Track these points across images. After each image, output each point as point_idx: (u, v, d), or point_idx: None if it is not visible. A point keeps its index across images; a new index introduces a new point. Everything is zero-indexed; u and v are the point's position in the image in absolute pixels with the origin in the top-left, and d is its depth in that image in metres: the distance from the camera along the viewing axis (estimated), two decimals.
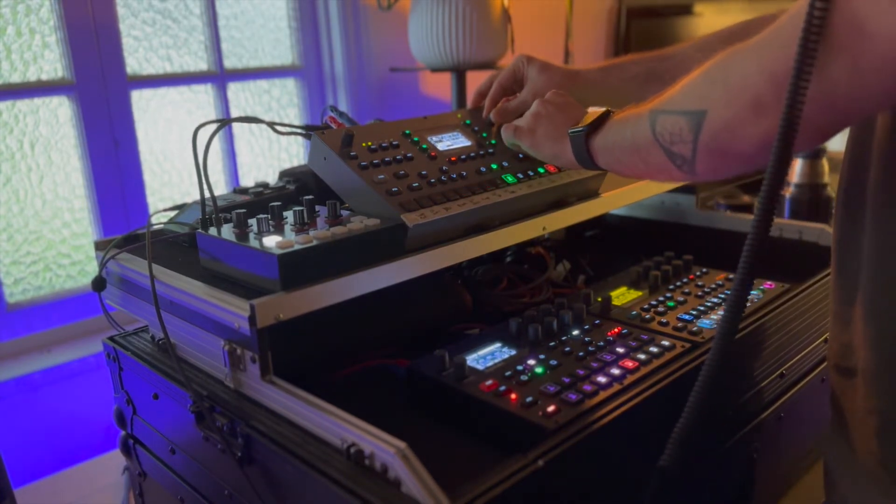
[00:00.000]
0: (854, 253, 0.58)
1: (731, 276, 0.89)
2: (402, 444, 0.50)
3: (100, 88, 1.60)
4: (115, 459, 1.44)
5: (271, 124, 0.78)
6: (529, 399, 0.60)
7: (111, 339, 0.82)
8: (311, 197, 0.71)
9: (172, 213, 0.88)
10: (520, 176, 0.81)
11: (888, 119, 0.52)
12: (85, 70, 1.57)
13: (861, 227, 0.57)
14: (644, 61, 0.84)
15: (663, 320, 0.77)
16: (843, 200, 0.61)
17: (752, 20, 0.81)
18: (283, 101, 2.01)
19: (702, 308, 0.79)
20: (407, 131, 0.81)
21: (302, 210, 0.68)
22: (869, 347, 0.56)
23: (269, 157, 1.99)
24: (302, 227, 0.67)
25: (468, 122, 0.87)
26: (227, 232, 0.68)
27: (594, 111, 0.69)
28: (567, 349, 0.69)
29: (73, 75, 1.56)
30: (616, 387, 0.62)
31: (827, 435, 0.65)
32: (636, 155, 0.61)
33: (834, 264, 0.62)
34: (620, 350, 0.69)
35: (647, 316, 0.78)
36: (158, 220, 0.86)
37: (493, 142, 0.85)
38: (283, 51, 1.98)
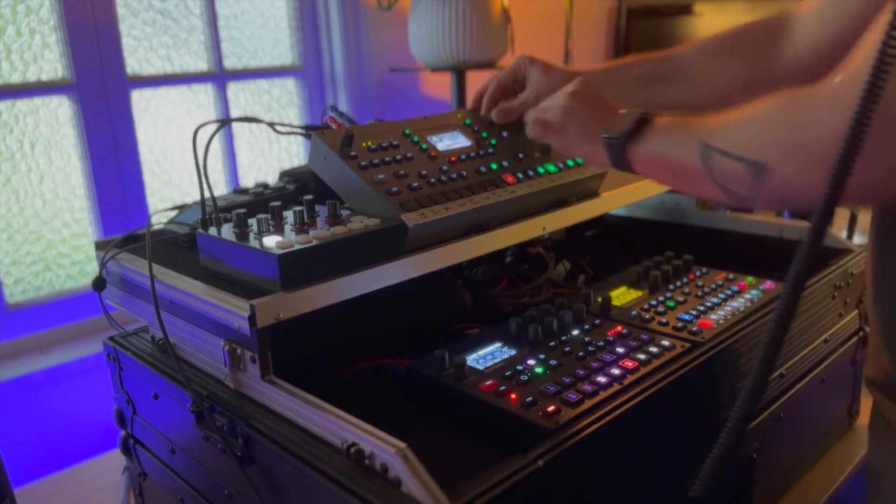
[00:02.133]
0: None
1: (730, 275, 0.89)
2: (402, 444, 0.50)
3: (100, 88, 1.60)
4: (115, 459, 1.44)
5: (271, 124, 0.78)
6: (529, 399, 0.60)
7: (111, 339, 0.82)
8: (311, 197, 0.71)
9: (172, 214, 0.88)
10: (520, 176, 0.81)
11: None
12: (85, 70, 1.57)
13: None
14: (645, 62, 0.84)
15: (663, 320, 0.77)
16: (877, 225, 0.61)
17: (752, 23, 0.82)
18: (283, 101, 2.01)
19: (702, 308, 0.79)
20: (407, 131, 0.81)
21: (302, 210, 0.68)
22: None
23: (269, 157, 1.99)
24: (302, 227, 0.67)
25: (468, 121, 0.87)
26: (227, 232, 0.68)
27: (626, 111, 0.66)
28: (567, 349, 0.69)
29: (73, 75, 1.56)
30: (616, 387, 0.62)
31: (875, 445, 0.67)
32: (683, 177, 0.59)
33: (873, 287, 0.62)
34: (620, 350, 0.69)
35: (647, 316, 0.78)
36: (158, 220, 0.86)
37: (493, 142, 0.85)
38: (282, 51, 1.98)
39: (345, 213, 0.71)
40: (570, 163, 0.86)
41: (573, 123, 0.70)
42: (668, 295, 0.84)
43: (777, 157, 0.49)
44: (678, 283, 0.87)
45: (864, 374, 0.67)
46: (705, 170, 0.55)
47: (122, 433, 0.85)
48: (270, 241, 0.63)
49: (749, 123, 0.52)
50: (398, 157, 0.76)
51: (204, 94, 1.82)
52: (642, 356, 0.68)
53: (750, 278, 0.88)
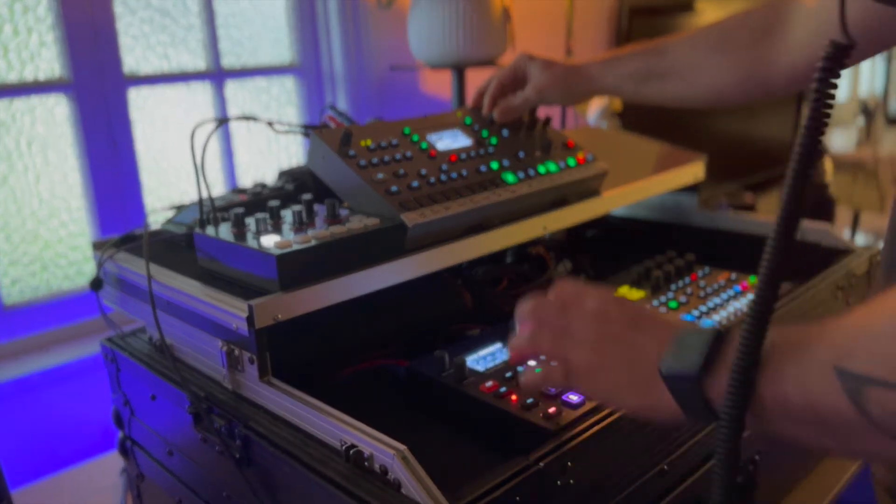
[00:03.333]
0: None
1: (733, 275, 0.88)
2: (401, 447, 0.49)
3: (97, 87, 1.59)
4: (112, 461, 1.43)
5: (270, 123, 0.78)
6: (530, 400, 0.60)
7: (109, 339, 0.81)
8: (309, 196, 0.71)
9: (170, 213, 0.88)
10: (520, 175, 0.80)
11: None
12: (82, 69, 1.56)
13: None
14: (642, 56, 0.84)
15: None
16: None
17: (748, 14, 0.80)
18: (282, 99, 2.00)
19: (704, 308, 0.79)
20: (406, 130, 0.81)
21: (300, 210, 0.68)
22: None
23: (268, 156, 1.99)
24: (300, 226, 0.67)
25: (468, 120, 0.87)
26: (225, 232, 0.67)
27: (688, 327, 0.46)
28: None
29: (70, 74, 1.56)
30: None
31: None
32: (823, 430, 0.39)
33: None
34: None
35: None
36: (156, 220, 0.85)
37: (493, 141, 0.84)
38: (281, 49, 1.97)
39: (344, 212, 0.70)
40: (571, 162, 0.86)
41: (611, 364, 0.48)
42: (671, 295, 0.83)
43: None
44: (680, 284, 0.87)
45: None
46: (857, 412, 0.36)
47: (120, 434, 0.84)
48: (269, 241, 0.63)
49: None
50: (398, 156, 0.76)
51: (202, 93, 1.82)
52: None
53: (752, 278, 0.87)
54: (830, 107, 0.40)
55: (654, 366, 0.44)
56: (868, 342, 0.36)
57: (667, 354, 0.44)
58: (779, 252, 0.40)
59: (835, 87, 0.41)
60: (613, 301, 0.50)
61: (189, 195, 1.79)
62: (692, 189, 1.08)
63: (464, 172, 0.77)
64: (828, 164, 1.62)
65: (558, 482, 0.54)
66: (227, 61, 1.85)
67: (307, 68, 2.01)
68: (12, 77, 1.51)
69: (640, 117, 0.93)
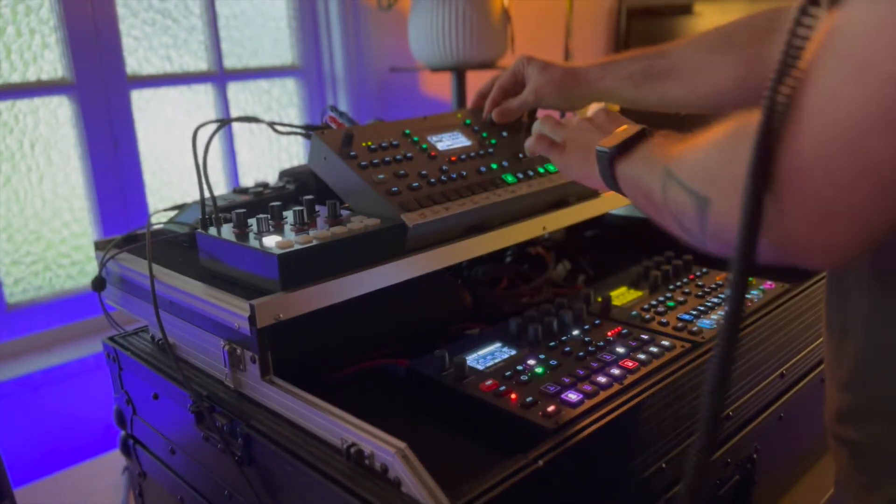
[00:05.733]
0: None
1: (730, 276, 0.89)
2: (402, 445, 0.49)
3: (99, 88, 1.60)
4: (114, 460, 1.43)
5: (271, 124, 0.78)
6: (529, 399, 0.60)
7: (111, 339, 0.82)
8: (310, 197, 0.71)
9: (172, 213, 0.88)
10: (520, 175, 0.80)
11: None
12: (85, 70, 1.57)
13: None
14: (641, 59, 0.84)
15: (663, 320, 0.76)
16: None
17: (751, 17, 0.81)
18: (283, 100, 2.00)
19: (702, 308, 0.79)
20: (407, 131, 0.81)
21: (302, 210, 0.68)
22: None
23: (269, 157, 1.99)
24: (302, 226, 0.67)
25: (468, 121, 0.87)
26: (227, 232, 0.68)
27: (629, 127, 0.60)
28: (567, 349, 0.69)
29: (72, 75, 1.56)
30: (616, 387, 0.62)
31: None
32: (650, 205, 0.54)
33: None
34: (620, 350, 0.69)
35: (647, 316, 0.78)
36: (158, 220, 0.86)
37: (493, 141, 0.85)
38: (282, 51, 1.98)
39: (345, 212, 0.71)
40: None
41: (577, 143, 0.67)
42: (668, 295, 0.84)
43: (717, 191, 0.43)
44: (678, 283, 0.87)
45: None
46: (663, 199, 0.50)
47: (122, 433, 0.85)
48: (270, 241, 0.63)
49: (700, 151, 0.47)
50: (398, 156, 0.76)
51: (204, 94, 1.82)
52: (642, 356, 0.67)
53: (750, 278, 0.88)
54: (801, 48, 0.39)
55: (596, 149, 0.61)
56: (684, 153, 0.49)
57: (606, 139, 0.60)
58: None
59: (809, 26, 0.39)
60: (605, 112, 0.67)
61: (191, 195, 1.79)
62: None
63: (464, 173, 0.77)
64: None
65: (557, 481, 0.54)
66: (229, 63, 1.85)
67: (308, 70, 2.02)
68: (15, 78, 1.51)
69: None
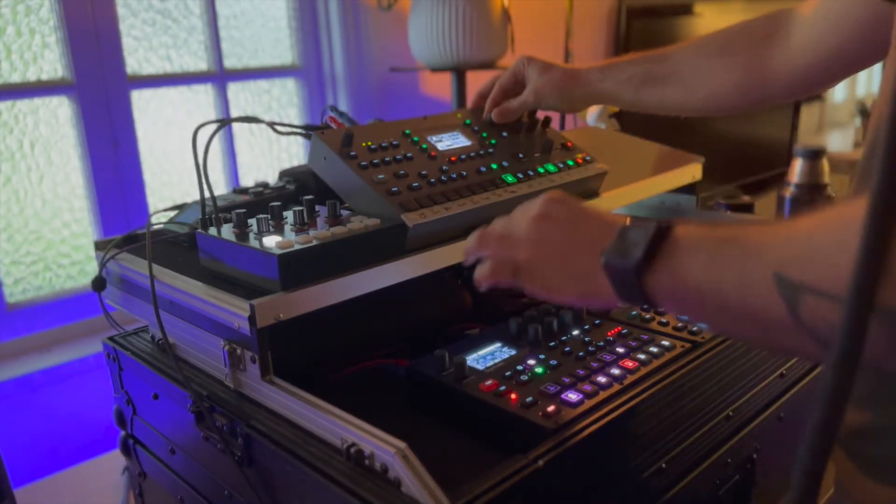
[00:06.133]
0: None
1: None
2: (402, 444, 0.49)
3: (99, 88, 1.60)
4: (114, 460, 1.44)
5: (271, 124, 0.78)
6: (529, 399, 0.60)
7: (111, 339, 0.82)
8: (311, 197, 0.71)
9: (172, 213, 0.88)
10: (520, 175, 0.80)
11: None
12: (85, 70, 1.57)
13: None
14: (641, 62, 0.84)
15: (663, 320, 0.76)
16: None
17: (749, 21, 0.81)
18: (283, 101, 2.00)
19: None
20: (407, 131, 0.81)
21: (302, 210, 0.68)
22: None
23: (269, 157, 1.99)
24: (302, 227, 0.67)
25: (468, 121, 0.87)
26: (227, 232, 0.68)
27: (627, 221, 0.47)
28: (567, 349, 0.69)
29: (72, 75, 1.56)
30: (616, 387, 0.62)
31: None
32: (752, 323, 0.40)
33: None
34: (620, 350, 0.69)
35: (647, 316, 0.78)
36: (158, 220, 0.86)
37: (493, 141, 0.85)
38: (282, 51, 1.98)
39: (345, 213, 0.71)
40: (571, 163, 0.86)
41: (552, 259, 0.51)
42: None
43: None
44: None
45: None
46: (791, 317, 0.37)
47: (122, 433, 0.85)
48: (270, 241, 0.63)
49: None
50: (398, 156, 0.76)
51: (204, 94, 1.82)
52: (642, 356, 0.67)
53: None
54: None
55: (591, 258, 0.47)
56: (810, 252, 0.37)
57: (608, 248, 0.46)
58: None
59: None
60: (556, 202, 0.52)
61: (191, 195, 1.79)
62: (690, 190, 1.08)
63: (464, 173, 0.77)
64: (825, 164, 1.62)
65: (557, 481, 0.54)
66: (229, 63, 1.85)
67: (308, 70, 2.02)
68: (15, 78, 1.51)
69: (638, 118, 0.93)
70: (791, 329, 0.38)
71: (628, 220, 0.47)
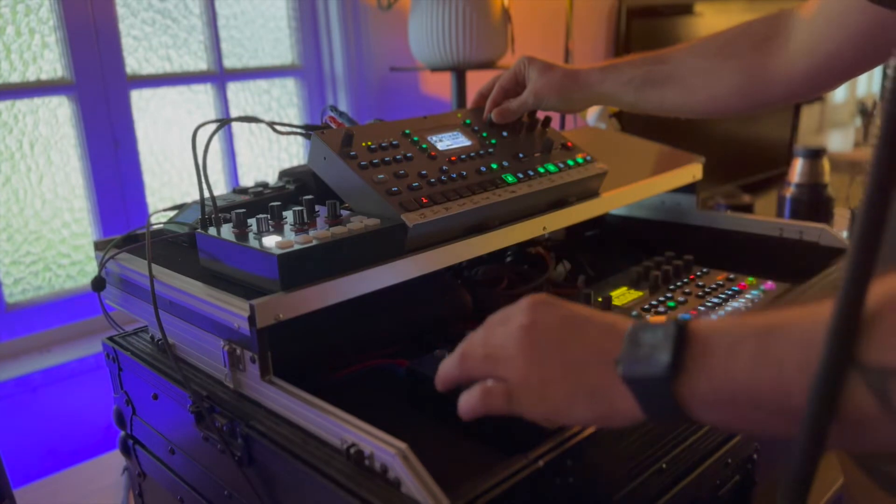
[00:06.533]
0: None
1: (731, 276, 0.89)
2: (402, 445, 0.49)
3: (99, 88, 1.60)
4: (114, 460, 1.44)
5: (271, 124, 0.78)
6: None
7: (111, 339, 0.82)
8: (310, 197, 0.71)
9: (172, 213, 0.88)
10: (520, 175, 0.80)
11: None
12: (84, 70, 1.57)
13: None
14: (641, 64, 0.84)
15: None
16: None
17: (749, 23, 0.81)
18: (283, 100, 2.00)
19: (702, 308, 0.79)
20: (407, 131, 0.81)
21: (302, 210, 0.68)
22: None
23: (269, 157, 1.99)
24: (302, 227, 0.67)
25: (468, 121, 0.87)
26: (227, 232, 0.68)
27: (636, 321, 0.41)
28: None
29: (72, 75, 1.56)
30: None
31: None
32: (838, 432, 0.34)
33: None
34: None
35: (648, 316, 0.78)
36: (158, 220, 0.86)
37: (493, 141, 0.85)
38: (282, 51, 1.98)
39: (344, 213, 0.71)
40: (571, 163, 0.86)
41: (552, 376, 0.43)
42: (669, 295, 0.84)
43: None
44: (678, 283, 0.87)
45: None
46: (881, 405, 0.32)
47: (122, 433, 0.85)
48: (270, 241, 0.63)
49: None
50: (398, 156, 0.76)
51: (204, 94, 1.82)
52: None
53: (750, 278, 0.88)
54: None
55: (601, 370, 0.41)
56: (889, 332, 0.32)
57: (623, 355, 0.40)
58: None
59: None
60: (541, 307, 0.46)
61: (191, 195, 1.79)
62: (690, 190, 1.08)
63: (464, 173, 0.77)
64: (825, 164, 1.63)
65: (557, 481, 0.54)
66: (229, 63, 1.85)
67: (308, 69, 2.02)
68: (15, 78, 1.51)
69: (638, 118, 0.93)
70: (885, 423, 0.33)
71: (632, 321, 0.41)
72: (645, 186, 0.95)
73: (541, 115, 0.92)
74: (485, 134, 0.86)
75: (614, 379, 0.40)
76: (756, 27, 0.80)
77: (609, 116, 1.56)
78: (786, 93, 0.79)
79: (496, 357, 0.46)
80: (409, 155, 0.77)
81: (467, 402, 0.48)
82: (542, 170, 0.83)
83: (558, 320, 0.44)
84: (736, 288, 0.85)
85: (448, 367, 0.50)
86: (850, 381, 0.32)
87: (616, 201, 0.91)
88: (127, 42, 1.65)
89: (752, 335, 0.36)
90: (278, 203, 0.70)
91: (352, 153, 0.74)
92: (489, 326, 0.49)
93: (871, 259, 0.31)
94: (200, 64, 1.80)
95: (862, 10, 0.65)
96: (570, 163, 0.86)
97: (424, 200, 0.71)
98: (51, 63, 1.56)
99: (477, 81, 1.09)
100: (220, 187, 1.86)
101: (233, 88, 1.87)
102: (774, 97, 0.80)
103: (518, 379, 0.45)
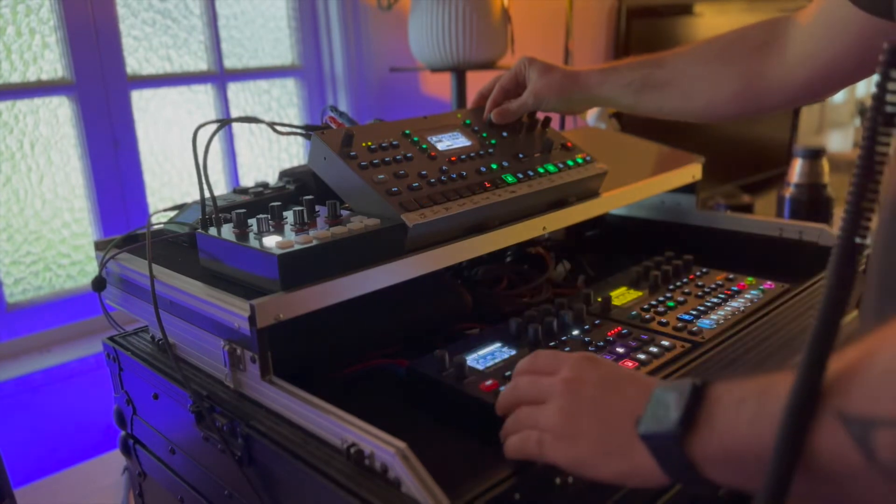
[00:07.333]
0: None
1: (730, 275, 0.89)
2: (402, 444, 0.50)
3: (100, 88, 1.60)
4: (115, 459, 1.44)
5: (271, 124, 0.78)
6: None
7: (111, 339, 0.82)
8: (311, 197, 0.71)
9: (172, 213, 0.88)
10: (520, 175, 0.81)
11: None
12: (85, 70, 1.57)
13: None
14: (640, 67, 0.84)
15: (663, 320, 0.76)
16: None
17: (747, 28, 0.81)
18: (283, 101, 2.01)
19: (702, 308, 0.79)
20: (407, 131, 0.81)
21: (302, 210, 0.68)
22: None
23: (269, 157, 1.99)
24: (302, 227, 0.67)
25: (468, 121, 0.87)
26: (227, 232, 0.68)
27: (659, 382, 0.44)
28: (567, 349, 0.69)
29: (72, 75, 1.56)
30: None
31: None
32: (824, 482, 0.35)
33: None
34: (620, 350, 0.69)
35: (647, 316, 0.78)
36: (158, 220, 0.86)
37: (493, 142, 0.85)
38: (282, 51, 1.98)
39: (345, 213, 0.71)
40: (570, 163, 0.86)
41: (582, 429, 0.46)
42: (668, 295, 0.84)
43: None
44: (678, 283, 0.87)
45: None
46: (864, 457, 0.32)
47: (122, 433, 0.85)
48: (270, 241, 0.63)
49: None
50: (398, 157, 0.76)
51: (204, 94, 1.82)
52: (642, 356, 0.67)
53: (750, 278, 0.88)
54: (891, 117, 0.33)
55: (631, 428, 0.43)
56: (870, 381, 0.32)
57: (644, 414, 0.42)
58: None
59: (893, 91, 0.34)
60: (587, 365, 0.49)
61: (191, 195, 1.80)
62: (690, 190, 1.08)
63: (464, 173, 0.77)
64: (825, 164, 1.63)
65: (557, 480, 0.54)
66: (229, 63, 1.85)
67: (308, 70, 2.02)
68: (15, 78, 1.52)
69: (638, 118, 0.93)
70: (870, 476, 0.32)
71: (659, 382, 0.42)
72: (645, 186, 0.95)
73: (541, 115, 0.92)
74: (485, 134, 0.86)
75: (636, 437, 0.42)
76: (754, 32, 0.80)
77: (609, 116, 1.56)
78: (784, 99, 0.79)
79: (538, 402, 0.50)
80: (409, 155, 0.77)
81: (512, 445, 0.52)
82: (541, 170, 0.83)
83: (597, 378, 0.47)
84: (735, 288, 0.85)
85: (504, 396, 0.56)
86: (833, 432, 0.33)
87: (616, 201, 0.91)
88: (127, 42, 1.65)
89: (756, 392, 0.38)
90: (278, 203, 0.70)
91: (352, 153, 0.74)
92: (537, 369, 0.53)
93: (844, 299, 0.33)
94: (201, 64, 1.80)
95: (861, 20, 0.66)
96: (570, 163, 0.86)
97: (424, 200, 0.71)
98: (51, 63, 1.56)
99: (477, 82, 1.09)
100: (221, 187, 1.86)
101: (233, 88, 1.87)
102: (773, 103, 0.80)
103: (551, 429, 0.48)
